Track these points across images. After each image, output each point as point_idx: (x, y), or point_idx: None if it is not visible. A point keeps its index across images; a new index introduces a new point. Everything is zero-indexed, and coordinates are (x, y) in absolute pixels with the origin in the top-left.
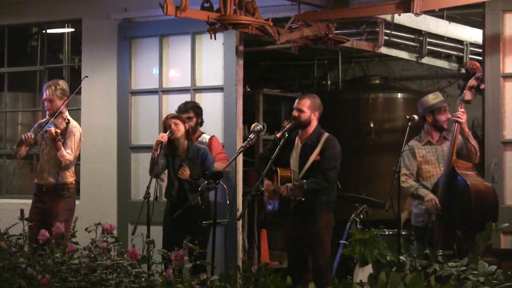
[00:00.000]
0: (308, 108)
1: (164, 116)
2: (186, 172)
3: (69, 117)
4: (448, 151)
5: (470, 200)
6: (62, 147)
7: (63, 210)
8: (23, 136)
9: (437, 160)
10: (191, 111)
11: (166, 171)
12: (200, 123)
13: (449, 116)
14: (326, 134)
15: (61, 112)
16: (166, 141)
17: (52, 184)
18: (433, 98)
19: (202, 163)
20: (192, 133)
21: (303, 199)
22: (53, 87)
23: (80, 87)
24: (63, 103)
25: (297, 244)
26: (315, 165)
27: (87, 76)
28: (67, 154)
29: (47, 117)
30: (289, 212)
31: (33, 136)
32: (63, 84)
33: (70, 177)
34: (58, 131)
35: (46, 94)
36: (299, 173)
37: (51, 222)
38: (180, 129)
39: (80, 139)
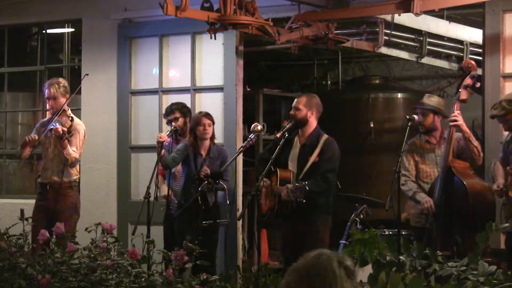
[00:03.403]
0: (304, 105)
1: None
2: (208, 172)
3: (72, 115)
4: (445, 151)
5: (467, 200)
6: (68, 145)
7: (68, 207)
8: (27, 138)
9: (436, 161)
10: (177, 112)
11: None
12: (189, 122)
13: (425, 119)
14: (325, 136)
15: (64, 110)
16: (169, 140)
17: (56, 182)
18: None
19: (222, 164)
20: (184, 133)
21: (303, 201)
22: (56, 85)
23: (80, 87)
24: (66, 101)
25: (293, 246)
26: (314, 166)
27: (87, 74)
28: (73, 152)
29: (49, 115)
30: (288, 213)
31: (36, 137)
32: (64, 82)
33: (74, 175)
34: (65, 129)
35: (50, 92)
36: (298, 174)
37: (56, 220)
38: (210, 131)
39: (84, 137)
